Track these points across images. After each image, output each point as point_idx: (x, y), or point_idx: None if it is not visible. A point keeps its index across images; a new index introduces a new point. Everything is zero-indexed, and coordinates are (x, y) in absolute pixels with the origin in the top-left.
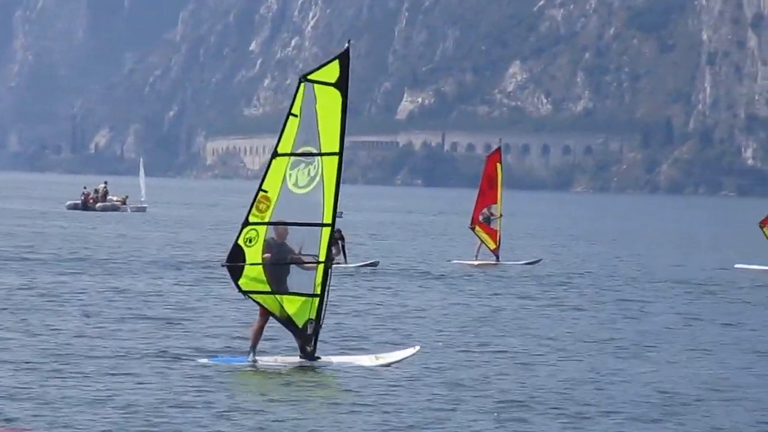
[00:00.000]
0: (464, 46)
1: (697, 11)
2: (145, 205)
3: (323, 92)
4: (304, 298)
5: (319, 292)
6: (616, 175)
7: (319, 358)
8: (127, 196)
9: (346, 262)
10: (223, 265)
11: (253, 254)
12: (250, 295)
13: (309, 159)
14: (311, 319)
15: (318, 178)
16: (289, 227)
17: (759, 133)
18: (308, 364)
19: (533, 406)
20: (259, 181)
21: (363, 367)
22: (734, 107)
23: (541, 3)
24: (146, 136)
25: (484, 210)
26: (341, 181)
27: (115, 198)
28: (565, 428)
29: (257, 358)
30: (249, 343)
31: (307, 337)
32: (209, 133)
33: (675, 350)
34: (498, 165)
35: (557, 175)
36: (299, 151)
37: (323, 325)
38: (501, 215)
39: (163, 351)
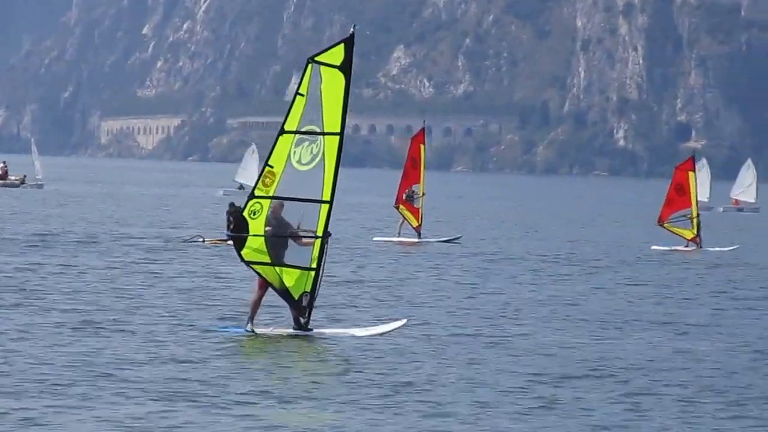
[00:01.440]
0: (350, 31)
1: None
2: (42, 183)
3: (328, 74)
4: (300, 271)
5: (315, 266)
6: (495, 155)
7: (311, 329)
8: (25, 175)
9: None
10: (228, 236)
11: (257, 226)
12: (252, 266)
13: (312, 138)
14: (306, 291)
15: (320, 157)
16: (285, 203)
17: (630, 115)
18: (302, 334)
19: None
20: (152, 160)
21: (353, 336)
22: (606, 91)
23: None
24: (42, 116)
25: (408, 189)
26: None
27: (13, 177)
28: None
29: (253, 327)
30: (247, 314)
31: (301, 309)
32: (104, 113)
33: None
34: (421, 146)
35: (439, 156)
36: (304, 129)
37: (318, 297)
38: (423, 194)
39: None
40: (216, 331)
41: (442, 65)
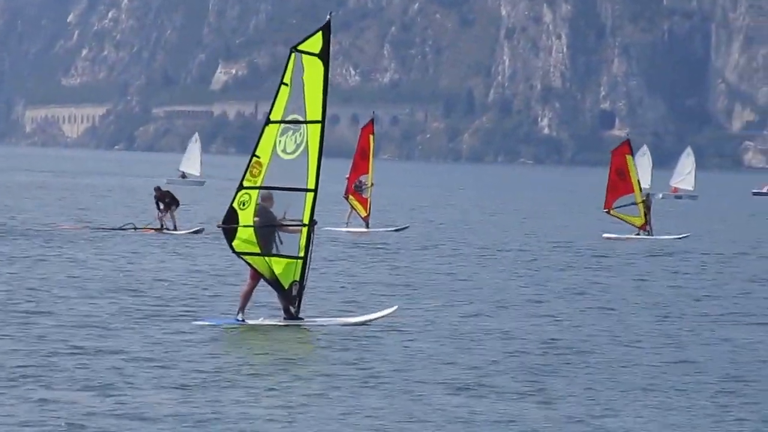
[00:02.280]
0: (276, 20)
1: None
2: None
3: (309, 62)
4: (289, 260)
5: (302, 255)
6: (421, 143)
7: (302, 318)
8: None
9: (175, 228)
10: (218, 227)
11: (246, 217)
12: (242, 256)
13: (296, 126)
14: (296, 281)
15: (303, 145)
16: (273, 194)
17: (554, 103)
18: (293, 324)
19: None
20: (77, 149)
21: (344, 324)
22: (531, 79)
23: None
24: None
25: (357, 180)
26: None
27: None
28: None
29: (244, 317)
30: (238, 305)
31: (291, 299)
32: (28, 101)
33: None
34: (371, 136)
35: None
36: (288, 118)
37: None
38: (372, 184)
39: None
40: (207, 323)
41: (368, 53)
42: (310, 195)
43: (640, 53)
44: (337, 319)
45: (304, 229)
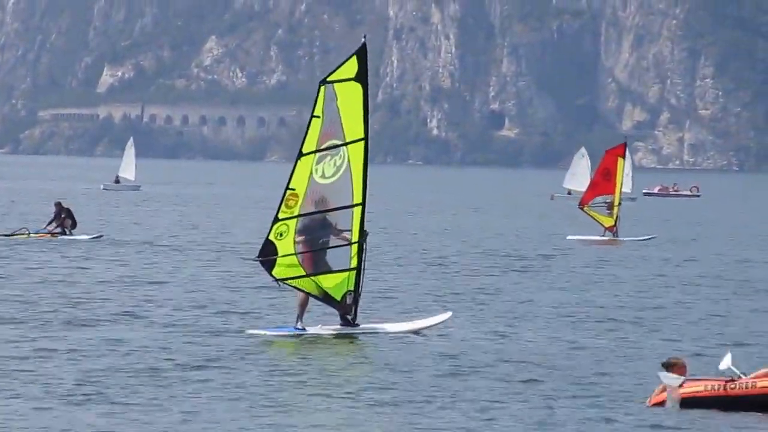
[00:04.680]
0: (162, 23)
1: None
2: None
3: (343, 89)
4: (340, 274)
5: (355, 265)
6: None
7: (358, 325)
8: None
9: (70, 233)
10: (255, 260)
11: (284, 246)
12: (287, 282)
13: (334, 151)
14: (350, 290)
15: (345, 166)
16: (327, 199)
17: (443, 104)
18: (349, 331)
19: None
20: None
21: (399, 331)
22: (420, 80)
23: None
24: None
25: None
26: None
27: None
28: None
29: (303, 326)
30: (296, 314)
31: (347, 307)
32: None
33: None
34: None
35: (252, 146)
36: (324, 146)
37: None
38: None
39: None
40: (265, 332)
41: (254, 55)
42: (358, 209)
43: (530, 53)
44: (392, 325)
45: (355, 237)
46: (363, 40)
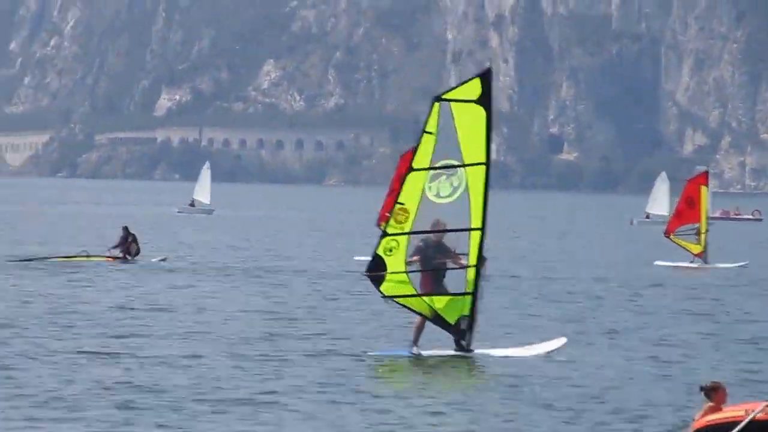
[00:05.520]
0: (219, 45)
1: (442, 11)
2: None
3: (462, 109)
4: (454, 297)
5: (471, 290)
6: (367, 169)
7: (473, 350)
8: None
9: (132, 259)
10: (363, 275)
11: (394, 262)
12: (395, 300)
13: (450, 171)
14: (464, 315)
15: (462, 188)
16: (442, 222)
17: (502, 128)
18: (465, 355)
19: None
20: (20, 177)
21: (515, 356)
22: None
23: (294, 3)
24: None
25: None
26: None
27: None
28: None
29: (419, 350)
30: (412, 337)
31: (461, 332)
32: None
33: None
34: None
35: (310, 170)
36: (438, 164)
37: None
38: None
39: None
40: (383, 354)
41: (312, 78)
42: (476, 233)
43: (588, 76)
44: (508, 350)
45: (473, 261)
46: (488, 65)
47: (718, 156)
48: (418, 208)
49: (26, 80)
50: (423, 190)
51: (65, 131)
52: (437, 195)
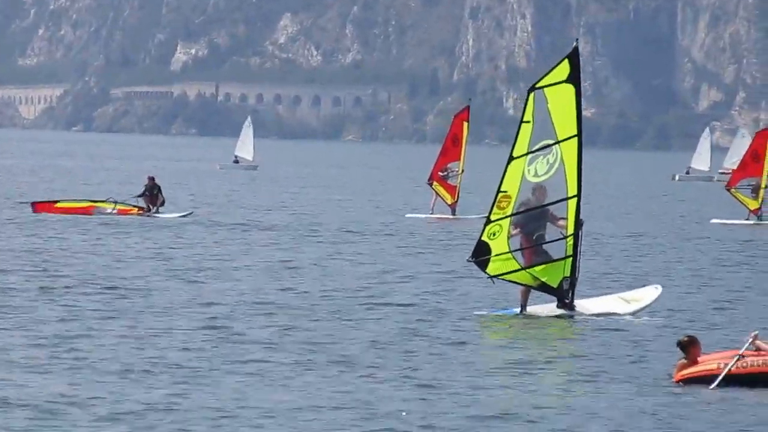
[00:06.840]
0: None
1: None
2: None
3: (554, 92)
4: (555, 263)
5: (570, 253)
6: (385, 125)
7: (575, 307)
8: None
9: (157, 211)
10: (469, 261)
11: (498, 245)
12: (502, 277)
13: (546, 150)
14: (566, 276)
15: (558, 163)
16: (543, 186)
17: (519, 84)
18: (568, 313)
19: None
20: (35, 130)
21: (613, 311)
22: (495, 59)
23: None
24: None
25: (444, 166)
26: None
27: None
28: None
29: (527, 309)
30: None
31: (564, 293)
32: None
33: None
34: (465, 124)
35: (328, 125)
36: (535, 148)
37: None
38: (463, 171)
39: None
40: (489, 313)
41: (330, 33)
42: (573, 201)
43: (605, 33)
44: (608, 306)
45: (570, 228)
46: (575, 44)
47: (732, 112)
48: (518, 191)
49: (40, 32)
50: (522, 174)
51: (80, 84)
52: (535, 175)
